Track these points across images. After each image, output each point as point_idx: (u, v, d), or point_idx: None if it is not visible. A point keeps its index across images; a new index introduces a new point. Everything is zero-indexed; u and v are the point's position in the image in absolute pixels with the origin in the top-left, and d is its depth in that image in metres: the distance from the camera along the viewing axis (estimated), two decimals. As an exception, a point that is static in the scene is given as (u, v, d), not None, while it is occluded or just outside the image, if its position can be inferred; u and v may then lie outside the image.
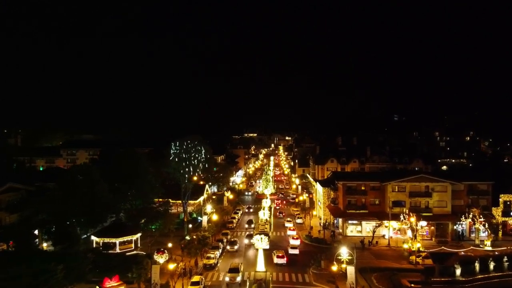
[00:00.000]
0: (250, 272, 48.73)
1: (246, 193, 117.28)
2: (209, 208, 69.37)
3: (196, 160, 76.02)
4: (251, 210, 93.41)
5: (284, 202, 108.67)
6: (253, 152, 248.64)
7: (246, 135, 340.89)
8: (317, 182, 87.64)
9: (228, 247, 59.36)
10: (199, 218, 75.98)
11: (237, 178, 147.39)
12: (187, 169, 73.92)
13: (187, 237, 58.91)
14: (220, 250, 56.78)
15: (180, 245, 54.66)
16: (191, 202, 79.92)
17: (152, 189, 67.56)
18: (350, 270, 41.43)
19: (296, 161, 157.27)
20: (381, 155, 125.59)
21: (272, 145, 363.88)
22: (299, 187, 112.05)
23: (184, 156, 74.14)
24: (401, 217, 61.20)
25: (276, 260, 52.97)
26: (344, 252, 43.44)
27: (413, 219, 57.62)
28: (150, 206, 65.88)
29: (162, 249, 42.63)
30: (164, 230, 58.89)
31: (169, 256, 43.48)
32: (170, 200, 79.90)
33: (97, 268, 40.88)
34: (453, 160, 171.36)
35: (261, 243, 46.40)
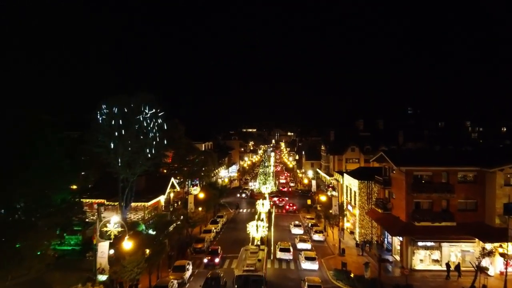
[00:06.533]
0: None
1: (239, 192, 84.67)
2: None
3: (147, 134, 44.61)
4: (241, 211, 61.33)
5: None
6: (251, 148, 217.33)
7: (244, 130, 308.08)
8: (344, 174, 55.81)
9: None
10: (149, 230, 44.11)
11: (229, 175, 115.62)
12: (124, 149, 42.51)
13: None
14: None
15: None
16: (139, 204, 48.36)
17: (62, 178, 38.09)
18: None
19: (303, 152, 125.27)
20: (417, 141, 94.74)
21: (273, 141, 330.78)
22: (313, 182, 79.57)
23: (121, 124, 42.67)
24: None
25: (279, 255, 39.07)
26: None
27: None
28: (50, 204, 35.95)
29: None
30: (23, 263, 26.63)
31: None
32: (105, 201, 48.88)
33: None
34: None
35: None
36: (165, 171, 68.71)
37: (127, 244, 22.24)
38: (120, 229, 24.21)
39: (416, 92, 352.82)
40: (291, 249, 40.05)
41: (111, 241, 23.18)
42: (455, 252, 36.24)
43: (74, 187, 51.14)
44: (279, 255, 39.31)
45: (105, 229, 24.67)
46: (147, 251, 30.72)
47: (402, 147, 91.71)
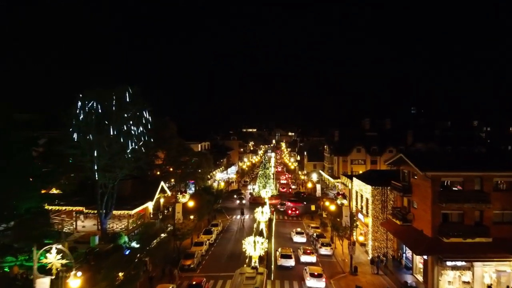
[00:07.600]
0: None
1: (236, 196, 78.81)
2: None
3: (129, 133, 39.19)
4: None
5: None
6: (251, 148, 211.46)
7: (244, 130, 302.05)
8: (353, 178, 50.12)
9: None
10: (133, 243, 38.43)
11: (227, 176, 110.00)
12: (102, 150, 37.05)
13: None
14: None
15: None
16: (123, 212, 42.77)
17: (28, 183, 33.13)
18: None
19: (305, 153, 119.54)
20: (428, 142, 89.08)
21: (274, 141, 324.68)
22: (318, 186, 73.80)
23: (99, 121, 37.21)
24: None
25: (280, 262, 36.60)
26: None
27: None
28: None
29: None
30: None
31: None
32: (83, 209, 43.45)
33: None
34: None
35: None
36: (158, 173, 63.33)
37: (74, 282, 16.51)
38: (64, 261, 18.44)
39: (418, 92, 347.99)
40: (293, 256, 37.92)
41: (53, 277, 17.54)
42: (489, 272, 30.62)
43: (57, 192, 45.67)
44: (281, 261, 36.94)
45: (45, 261, 18.87)
46: (120, 275, 25.18)
47: (411, 148, 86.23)
